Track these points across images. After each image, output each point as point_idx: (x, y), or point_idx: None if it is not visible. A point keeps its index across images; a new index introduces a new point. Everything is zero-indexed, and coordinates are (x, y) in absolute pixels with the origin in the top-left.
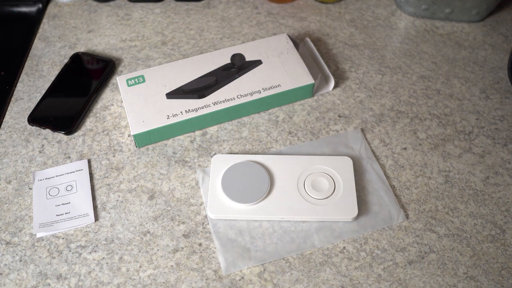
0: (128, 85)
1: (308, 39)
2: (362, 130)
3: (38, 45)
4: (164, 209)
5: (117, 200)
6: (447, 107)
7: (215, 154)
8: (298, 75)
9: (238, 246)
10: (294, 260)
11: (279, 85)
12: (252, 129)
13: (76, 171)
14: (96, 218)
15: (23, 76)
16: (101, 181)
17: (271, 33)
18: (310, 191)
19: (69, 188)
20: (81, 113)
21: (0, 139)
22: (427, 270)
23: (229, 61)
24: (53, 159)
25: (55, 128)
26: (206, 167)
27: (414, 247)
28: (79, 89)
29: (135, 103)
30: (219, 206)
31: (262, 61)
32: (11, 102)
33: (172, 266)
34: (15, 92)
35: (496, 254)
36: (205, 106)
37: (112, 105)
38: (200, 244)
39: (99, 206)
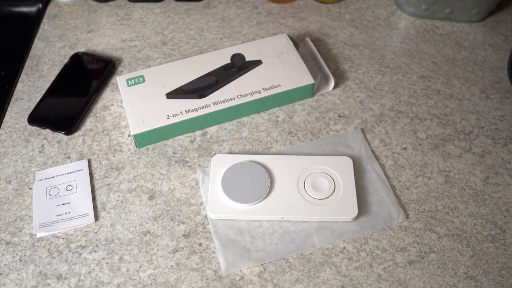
0: (128, 85)
1: (308, 39)
2: (362, 130)
3: (38, 45)
4: (164, 209)
5: (117, 200)
6: (447, 107)
7: (215, 154)
8: (298, 75)
9: (238, 246)
10: (294, 260)
11: (279, 85)
12: (252, 129)
13: (76, 171)
14: (96, 218)
15: (23, 76)
16: (101, 181)
17: (271, 33)
18: (310, 191)
19: (69, 188)
20: (81, 113)
21: (0, 139)
22: (427, 270)
23: (229, 61)
24: (53, 159)
25: (55, 128)
26: (206, 167)
27: (414, 247)
28: (79, 89)
29: (135, 103)
30: (219, 206)
31: (262, 61)
32: (11, 102)
33: (172, 266)
34: (15, 92)
35: (496, 254)
36: (205, 106)
37: (112, 105)
38: (200, 244)
39: (99, 206)
